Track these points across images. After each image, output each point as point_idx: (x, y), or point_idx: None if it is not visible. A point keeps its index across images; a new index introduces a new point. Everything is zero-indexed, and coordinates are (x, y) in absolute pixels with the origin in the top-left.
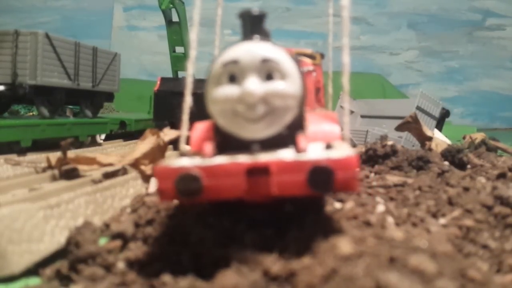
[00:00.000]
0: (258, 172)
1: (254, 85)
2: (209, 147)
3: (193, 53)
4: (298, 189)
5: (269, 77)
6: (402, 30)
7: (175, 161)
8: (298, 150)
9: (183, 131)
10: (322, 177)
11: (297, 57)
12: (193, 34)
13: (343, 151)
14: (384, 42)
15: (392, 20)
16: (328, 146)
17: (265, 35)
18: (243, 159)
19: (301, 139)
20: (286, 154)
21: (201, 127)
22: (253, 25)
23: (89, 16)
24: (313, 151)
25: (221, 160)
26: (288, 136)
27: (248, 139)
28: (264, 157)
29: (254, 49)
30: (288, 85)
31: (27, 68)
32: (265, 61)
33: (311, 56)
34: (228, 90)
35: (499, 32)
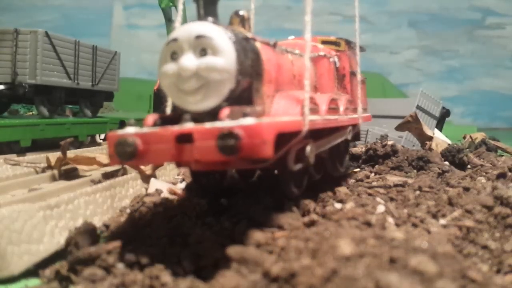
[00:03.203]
0: (186, 139)
1: (187, 60)
2: (150, 118)
3: None
4: (212, 154)
5: (204, 53)
6: (403, 29)
7: (123, 130)
8: (219, 119)
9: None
10: (229, 142)
11: (240, 35)
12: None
13: (256, 120)
14: (384, 41)
15: (392, 19)
16: (245, 115)
17: (217, 17)
18: (174, 127)
19: (223, 110)
20: (212, 123)
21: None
22: (204, 8)
23: (88, 14)
24: (229, 120)
25: (155, 128)
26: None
27: (191, 111)
28: (190, 126)
29: (191, 28)
30: (220, 59)
31: (26, 67)
32: (199, 37)
33: (335, 43)
34: (169, 67)
35: (499, 31)
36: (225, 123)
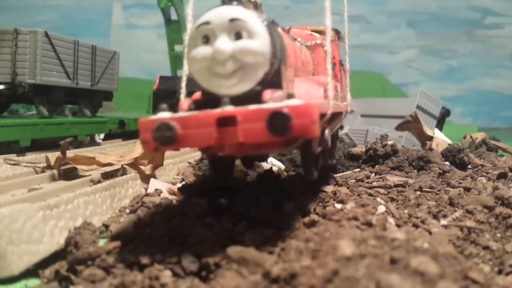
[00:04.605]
0: (227, 122)
1: (223, 43)
2: (185, 102)
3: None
4: (260, 135)
5: (238, 36)
6: (402, 29)
7: (156, 115)
8: (263, 102)
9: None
10: (280, 122)
11: (269, 19)
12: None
13: (303, 101)
14: (384, 40)
15: (391, 18)
16: (290, 96)
17: (241, 1)
18: (214, 111)
19: (266, 92)
20: (257, 105)
21: (195, 96)
22: None
23: (88, 14)
24: (275, 102)
25: (194, 112)
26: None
27: (225, 95)
28: (232, 108)
29: (224, 11)
30: (256, 42)
31: (26, 67)
32: (233, 20)
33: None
34: (202, 50)
35: (498, 31)
36: (273, 104)
